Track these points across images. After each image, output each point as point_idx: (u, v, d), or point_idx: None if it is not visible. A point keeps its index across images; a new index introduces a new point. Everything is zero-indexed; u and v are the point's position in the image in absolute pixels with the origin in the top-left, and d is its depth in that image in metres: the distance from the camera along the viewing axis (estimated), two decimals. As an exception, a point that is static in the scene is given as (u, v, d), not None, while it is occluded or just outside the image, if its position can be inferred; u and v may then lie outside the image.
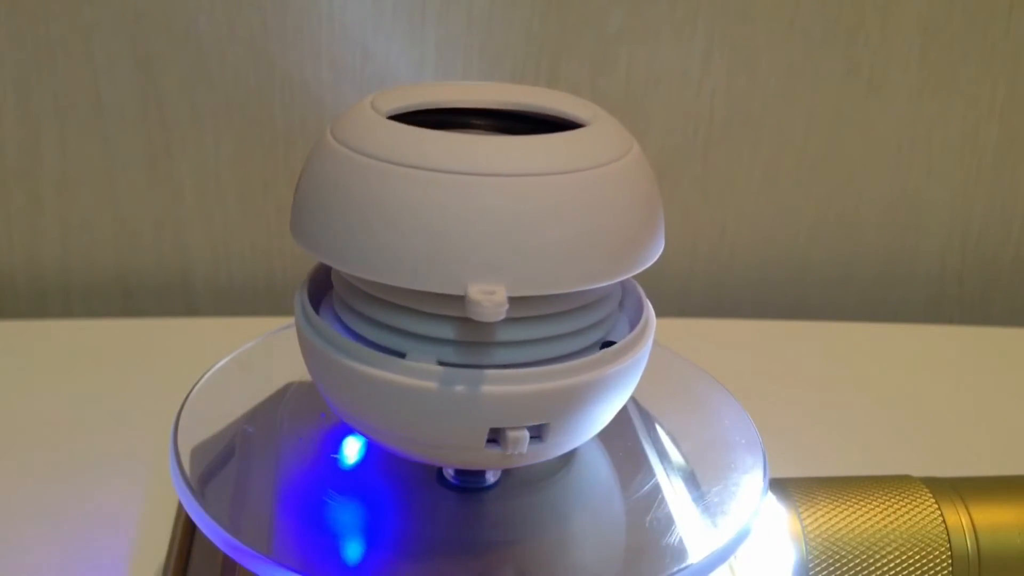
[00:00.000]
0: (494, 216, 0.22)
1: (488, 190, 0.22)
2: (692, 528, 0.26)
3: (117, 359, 0.45)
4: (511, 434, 0.23)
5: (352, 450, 0.28)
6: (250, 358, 0.32)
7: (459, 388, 0.23)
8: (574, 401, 0.24)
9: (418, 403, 0.23)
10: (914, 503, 0.29)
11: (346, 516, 0.26)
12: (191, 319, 0.52)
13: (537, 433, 0.24)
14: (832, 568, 0.28)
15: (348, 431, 0.29)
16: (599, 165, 0.23)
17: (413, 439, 0.24)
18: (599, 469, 0.29)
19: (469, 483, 0.27)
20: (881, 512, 0.28)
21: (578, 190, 0.23)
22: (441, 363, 0.23)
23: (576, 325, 0.25)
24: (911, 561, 0.28)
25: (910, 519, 0.28)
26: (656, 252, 0.25)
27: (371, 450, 0.28)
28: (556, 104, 0.26)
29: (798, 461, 0.35)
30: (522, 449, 0.23)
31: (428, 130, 0.23)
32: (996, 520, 0.29)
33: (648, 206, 0.24)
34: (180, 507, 0.31)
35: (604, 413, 0.25)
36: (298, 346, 0.26)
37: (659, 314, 0.28)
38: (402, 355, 0.24)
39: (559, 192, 0.22)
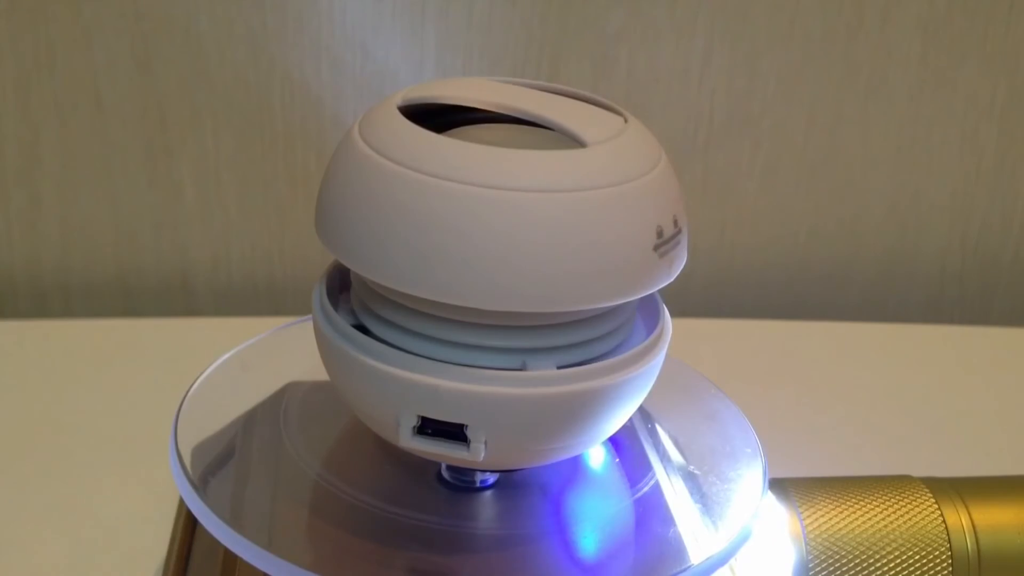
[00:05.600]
0: (527, 232, 0.22)
1: (523, 206, 0.22)
2: (692, 529, 0.26)
3: (117, 359, 0.45)
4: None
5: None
6: (250, 356, 0.32)
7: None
8: (584, 408, 0.24)
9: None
10: (914, 503, 0.29)
11: (346, 514, 0.26)
12: (191, 319, 0.52)
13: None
14: (832, 568, 0.28)
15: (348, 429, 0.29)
16: (637, 177, 0.23)
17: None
18: (599, 469, 0.29)
19: (468, 482, 0.27)
20: (881, 512, 0.28)
21: (619, 205, 0.23)
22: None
23: (591, 335, 0.25)
24: (911, 561, 0.28)
25: (910, 519, 0.28)
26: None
27: (370, 448, 0.28)
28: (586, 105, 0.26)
29: (798, 461, 0.35)
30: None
31: (465, 142, 0.23)
32: (996, 520, 0.29)
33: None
34: (180, 507, 0.31)
35: (613, 421, 0.25)
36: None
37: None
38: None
39: (600, 206, 0.22)
